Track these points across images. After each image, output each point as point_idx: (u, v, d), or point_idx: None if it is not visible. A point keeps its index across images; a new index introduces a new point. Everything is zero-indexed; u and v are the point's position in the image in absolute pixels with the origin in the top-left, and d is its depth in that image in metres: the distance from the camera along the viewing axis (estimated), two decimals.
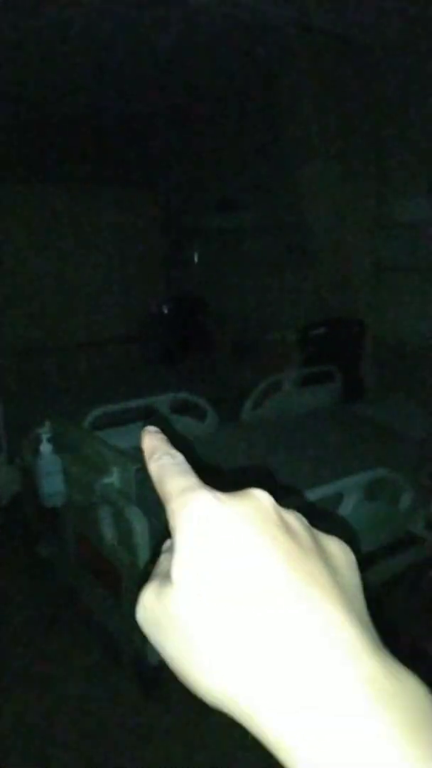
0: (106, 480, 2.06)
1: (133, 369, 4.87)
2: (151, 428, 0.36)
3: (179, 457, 0.33)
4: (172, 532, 0.28)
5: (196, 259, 5.33)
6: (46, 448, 2.29)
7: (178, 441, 0.35)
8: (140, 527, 1.96)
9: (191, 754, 2.02)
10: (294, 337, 3.86)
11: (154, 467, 0.33)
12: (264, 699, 0.24)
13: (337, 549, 0.30)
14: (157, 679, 2.11)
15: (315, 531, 0.30)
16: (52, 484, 2.26)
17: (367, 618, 0.27)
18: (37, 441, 2.35)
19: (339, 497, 2.13)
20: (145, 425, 0.36)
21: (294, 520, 0.29)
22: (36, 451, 2.34)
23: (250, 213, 4.52)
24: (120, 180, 5.25)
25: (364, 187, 3.56)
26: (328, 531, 0.31)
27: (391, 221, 3.48)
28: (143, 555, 1.96)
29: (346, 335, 3.71)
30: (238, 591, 0.25)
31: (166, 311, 5.16)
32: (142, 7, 3.00)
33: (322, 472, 2.33)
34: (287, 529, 0.28)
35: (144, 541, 1.96)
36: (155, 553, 0.33)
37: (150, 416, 3.00)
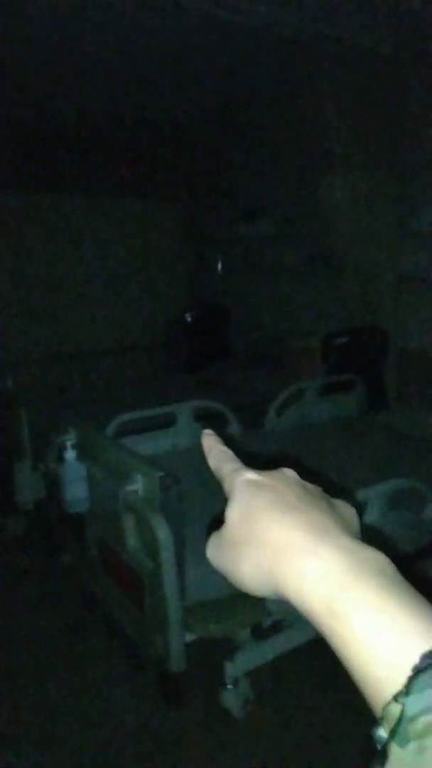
0: (130, 487, 2.07)
1: (157, 377, 4.91)
2: (208, 431, 0.51)
3: (230, 452, 0.48)
4: (227, 498, 0.43)
5: (219, 268, 5.37)
6: (70, 455, 2.32)
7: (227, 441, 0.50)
8: (164, 535, 1.97)
9: (212, 758, 2.02)
10: (316, 345, 3.86)
11: (212, 459, 0.48)
12: (283, 571, 0.36)
13: (343, 506, 0.44)
14: (178, 685, 2.12)
15: (329, 497, 0.44)
16: (76, 491, 2.28)
17: (357, 533, 0.41)
18: (62, 448, 2.38)
19: (363, 506, 2.12)
20: (202, 428, 0.52)
21: (312, 487, 0.44)
22: (60, 458, 2.38)
23: (274, 222, 4.54)
24: (145, 190, 5.32)
25: (388, 197, 3.56)
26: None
27: (414, 231, 3.46)
28: (166, 563, 1.97)
29: (368, 344, 3.69)
30: (265, 515, 0.39)
31: (189, 319, 5.19)
32: (168, 14, 3.05)
33: (346, 481, 2.32)
34: (306, 490, 0.43)
35: (167, 549, 1.97)
36: (214, 521, 0.45)
37: (173, 424, 3.02)
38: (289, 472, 0.44)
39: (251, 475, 0.43)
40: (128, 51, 3.51)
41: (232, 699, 2.15)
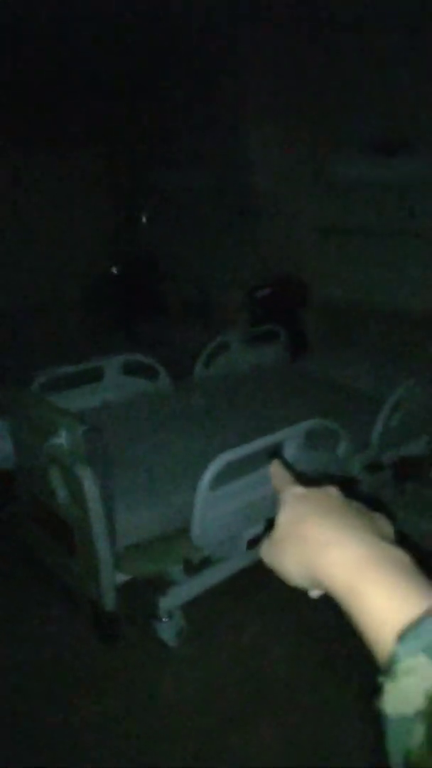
0: (55, 441, 2.12)
1: (84, 333, 4.85)
2: (276, 461, 0.63)
3: (288, 475, 0.59)
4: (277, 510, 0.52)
5: (144, 221, 5.29)
6: None
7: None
8: (90, 485, 2.04)
9: (153, 694, 2.17)
10: (240, 297, 3.94)
11: (274, 479, 0.59)
12: (320, 563, 0.46)
13: (380, 518, 0.51)
14: (113, 624, 2.24)
15: (369, 510, 0.52)
16: (1, 448, 2.31)
17: (390, 538, 0.48)
18: None
19: (281, 446, 2.25)
20: (271, 458, 0.68)
21: (353, 502, 0.53)
22: None
23: (199, 174, 4.51)
24: (66, 138, 5.12)
25: (305, 150, 3.61)
26: None
27: (331, 183, 3.55)
28: (93, 512, 2.05)
29: (290, 295, 3.80)
30: (308, 518, 0.49)
31: (116, 272, 5.13)
32: None
33: (267, 424, 2.44)
34: (346, 502, 0.52)
35: (94, 499, 2.04)
36: (269, 524, 0.55)
37: (100, 379, 3.04)
38: (332, 490, 0.53)
39: (300, 489, 0.53)
40: None
41: (166, 630, 2.29)
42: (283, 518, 0.51)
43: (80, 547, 2.17)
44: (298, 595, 0.54)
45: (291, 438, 2.24)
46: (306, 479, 0.58)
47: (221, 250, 4.44)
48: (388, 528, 0.51)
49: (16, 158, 4.80)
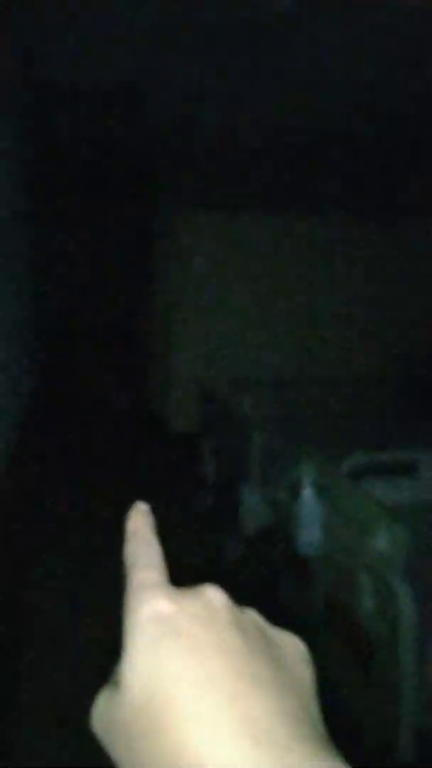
0: (372, 543, 1.87)
1: (399, 413, 4.55)
2: (141, 506, 0.36)
3: (154, 547, 0.33)
4: (124, 631, 0.29)
5: None
6: (308, 493, 2.19)
7: None
8: (406, 605, 1.73)
9: None
10: None
11: (128, 550, 0.33)
12: None
13: (290, 645, 0.31)
14: None
15: (269, 628, 0.32)
16: (310, 533, 2.15)
17: (313, 709, 0.28)
18: (298, 484, 2.27)
19: None
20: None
21: (246, 619, 0.31)
22: (295, 494, 2.26)
23: None
24: (397, 208, 5.07)
25: None
26: None
27: None
28: (406, 637, 1.73)
29: None
30: (177, 698, 0.26)
31: None
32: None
33: None
34: (238, 627, 0.29)
35: (408, 622, 1.73)
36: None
37: (414, 472, 2.73)
38: (216, 596, 0.30)
39: (162, 604, 0.29)
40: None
41: None
42: (133, 678, 0.27)
43: (379, 674, 1.85)
44: None
45: None
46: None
47: None
48: (304, 671, 0.30)
49: (346, 227, 4.89)
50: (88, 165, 5.71)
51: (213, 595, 0.31)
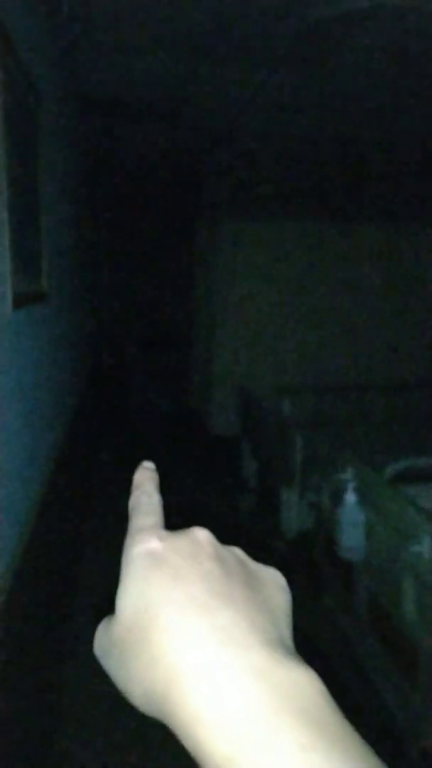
0: (415, 548, 1.88)
1: None
2: (146, 464, 0.40)
3: (154, 497, 0.37)
4: (121, 568, 0.32)
5: None
6: (350, 497, 2.21)
7: None
8: None
9: None
10: None
11: (131, 501, 0.37)
12: (177, 704, 0.27)
13: (268, 575, 0.34)
14: None
15: (251, 562, 0.35)
16: (353, 537, 2.16)
17: (284, 629, 0.31)
18: (341, 488, 2.28)
19: None
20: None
21: (228, 553, 0.34)
22: (338, 499, 2.28)
23: None
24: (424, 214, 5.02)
25: None
26: None
27: None
28: None
29: None
30: (162, 613, 0.29)
31: None
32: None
33: None
34: (218, 558, 0.33)
35: None
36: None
37: None
38: (201, 534, 0.34)
39: (153, 543, 0.33)
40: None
41: None
42: (127, 603, 0.31)
43: (424, 679, 1.85)
44: None
45: None
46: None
47: None
48: (281, 598, 0.33)
49: (389, 236, 4.85)
50: (136, 179, 5.90)
51: (199, 533, 0.34)
